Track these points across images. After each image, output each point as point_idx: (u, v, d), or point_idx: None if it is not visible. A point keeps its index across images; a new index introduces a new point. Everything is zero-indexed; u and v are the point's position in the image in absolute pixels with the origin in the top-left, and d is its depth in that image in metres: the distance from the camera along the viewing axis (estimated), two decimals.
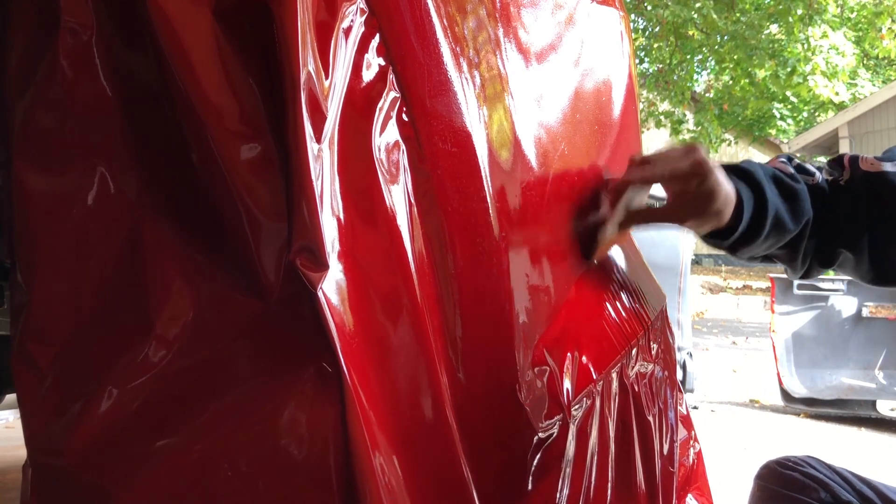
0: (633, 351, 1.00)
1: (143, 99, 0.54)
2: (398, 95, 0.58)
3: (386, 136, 0.57)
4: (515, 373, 0.67)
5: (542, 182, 0.79)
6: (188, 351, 0.52)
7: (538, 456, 0.68)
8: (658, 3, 11.44)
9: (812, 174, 0.94)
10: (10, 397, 2.14)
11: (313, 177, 0.50)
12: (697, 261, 13.83)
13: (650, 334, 1.11)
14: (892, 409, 4.20)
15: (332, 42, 0.54)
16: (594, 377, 0.83)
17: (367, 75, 0.57)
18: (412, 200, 0.59)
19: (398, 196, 0.57)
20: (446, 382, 0.59)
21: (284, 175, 0.51)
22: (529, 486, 0.67)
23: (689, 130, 13.56)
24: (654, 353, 1.11)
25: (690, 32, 11.89)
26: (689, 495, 1.32)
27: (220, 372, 0.52)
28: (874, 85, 12.59)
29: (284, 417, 0.50)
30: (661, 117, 13.32)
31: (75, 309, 0.54)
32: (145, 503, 0.50)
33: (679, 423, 1.23)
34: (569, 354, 0.79)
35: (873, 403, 4.07)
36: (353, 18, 0.56)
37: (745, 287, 10.96)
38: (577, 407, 0.76)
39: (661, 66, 13.02)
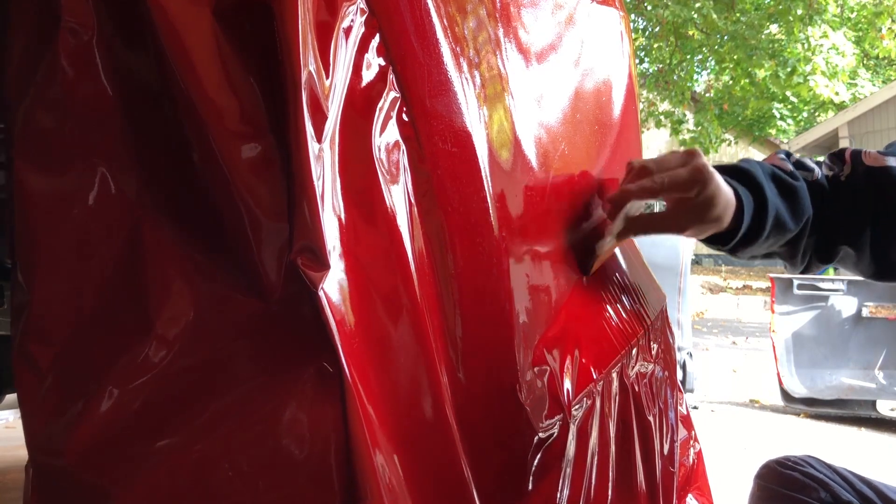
0: (634, 351, 1.00)
1: (143, 99, 0.54)
2: (398, 95, 0.58)
3: (386, 136, 0.57)
4: (515, 373, 0.67)
5: (543, 182, 0.79)
6: (188, 351, 0.52)
7: (538, 456, 0.68)
8: (658, 3, 11.44)
9: (811, 170, 0.93)
10: (11, 397, 2.14)
11: (314, 177, 0.50)
12: (697, 261, 13.83)
13: (650, 334, 1.11)
14: (892, 409, 4.20)
15: (333, 42, 0.54)
16: (594, 377, 0.83)
17: (368, 75, 0.57)
18: (412, 200, 0.59)
19: (398, 196, 0.57)
20: (446, 382, 0.59)
21: (285, 175, 0.51)
22: (530, 486, 0.67)
23: (689, 130, 13.56)
24: (654, 353, 1.12)
25: (690, 32, 11.89)
26: (690, 495, 1.32)
27: (220, 372, 0.52)
28: (874, 85, 12.59)
29: (285, 417, 0.50)
30: (661, 117, 13.33)
31: (75, 309, 0.54)
32: (145, 503, 0.50)
33: (679, 423, 1.23)
34: (569, 354, 0.79)
35: (873, 403, 4.07)
36: (354, 18, 0.56)
37: (745, 287, 10.96)
38: (577, 407, 0.76)
39: (661, 66, 13.03)
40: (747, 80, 12.64)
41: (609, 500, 0.82)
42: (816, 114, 14.35)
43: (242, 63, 0.52)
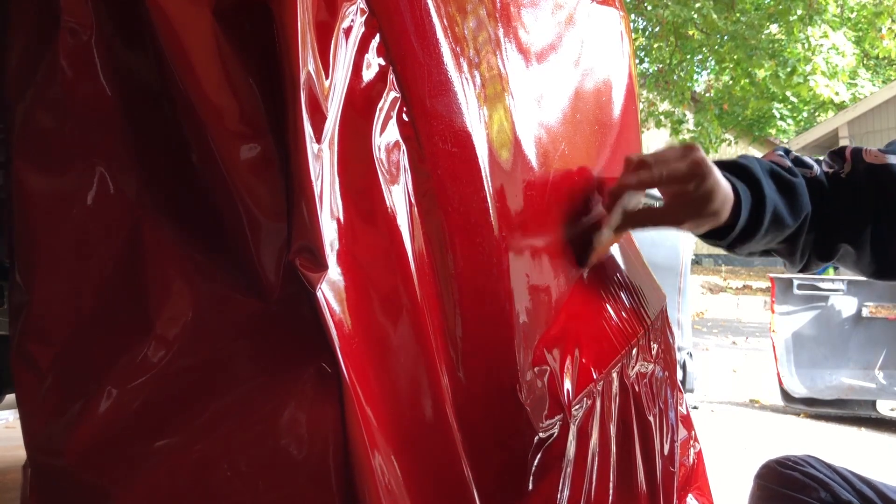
0: (634, 351, 0.99)
1: (143, 99, 0.54)
2: (398, 95, 0.58)
3: (386, 136, 0.57)
4: (516, 373, 0.67)
5: (543, 182, 0.79)
6: (188, 351, 0.52)
7: (538, 456, 0.68)
8: (658, 3, 11.44)
9: (810, 167, 0.93)
10: (10, 397, 2.14)
11: (313, 177, 0.50)
12: (697, 261, 13.83)
13: (650, 334, 1.11)
14: (892, 409, 4.20)
15: (333, 42, 0.54)
16: (594, 377, 0.83)
17: (367, 75, 0.57)
18: (412, 200, 0.59)
19: (398, 196, 0.57)
20: (446, 382, 0.59)
21: (284, 175, 0.51)
22: (530, 486, 0.67)
23: (689, 130, 13.55)
24: (654, 353, 1.11)
25: (690, 32, 11.89)
26: (690, 495, 1.32)
27: (220, 372, 0.52)
28: (874, 85, 12.59)
29: (284, 417, 0.50)
30: (661, 117, 13.32)
31: (75, 309, 0.54)
32: (145, 503, 0.50)
33: (679, 423, 1.23)
34: (569, 354, 0.79)
35: (873, 403, 4.07)
36: (354, 18, 0.56)
37: (745, 287, 10.96)
38: (577, 407, 0.76)
39: (661, 66, 13.02)
40: (747, 80, 12.63)
41: (609, 500, 0.82)
42: (816, 114, 14.35)
43: (242, 63, 0.52)
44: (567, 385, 0.75)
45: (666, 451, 1.06)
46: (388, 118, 0.58)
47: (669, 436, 1.10)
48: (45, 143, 0.54)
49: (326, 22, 0.53)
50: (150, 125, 0.54)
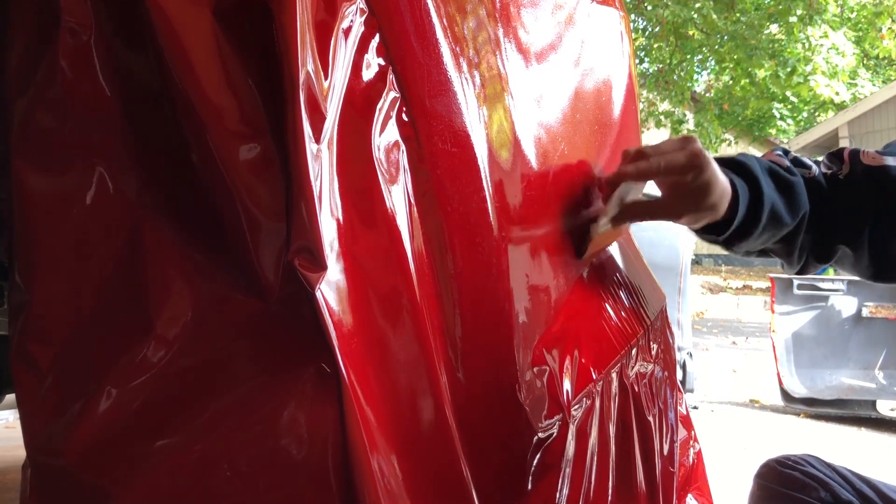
0: (633, 351, 1.00)
1: (143, 99, 0.54)
2: (398, 95, 0.58)
3: (386, 136, 0.57)
4: (515, 373, 0.67)
5: (542, 182, 0.79)
6: (188, 351, 0.52)
7: (538, 456, 0.68)
8: (658, 3, 11.44)
9: (808, 167, 0.93)
10: (10, 397, 2.14)
11: (312, 177, 0.50)
12: (697, 261, 13.83)
13: (650, 334, 1.11)
14: (892, 409, 4.20)
15: (332, 42, 0.54)
16: (594, 377, 0.83)
17: (367, 75, 0.57)
18: (412, 200, 0.59)
19: (398, 196, 0.57)
20: (446, 382, 0.59)
21: (284, 175, 0.51)
22: (529, 486, 0.67)
23: (689, 130, 13.55)
24: (654, 353, 1.12)
25: (690, 32, 11.89)
26: (689, 495, 1.32)
27: (219, 372, 0.52)
28: (874, 85, 12.59)
29: (284, 417, 0.50)
30: (661, 117, 13.32)
31: (75, 309, 0.54)
32: (145, 503, 0.50)
33: (679, 423, 1.23)
34: (568, 354, 0.79)
35: (873, 403, 4.07)
36: (353, 18, 0.56)
37: (745, 287, 10.96)
38: (576, 407, 0.76)
39: (661, 66, 13.02)
40: (747, 80, 12.63)
41: (609, 501, 0.82)
42: (816, 114, 14.35)
43: (242, 63, 0.52)
44: (566, 385, 0.75)
45: (665, 451, 1.06)
46: (387, 118, 0.58)
47: (669, 436, 1.10)
48: (45, 143, 0.54)
49: (326, 22, 0.53)
50: (149, 125, 0.54)
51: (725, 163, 0.88)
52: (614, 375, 0.91)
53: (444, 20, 0.63)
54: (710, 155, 0.84)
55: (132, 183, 0.54)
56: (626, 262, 1.14)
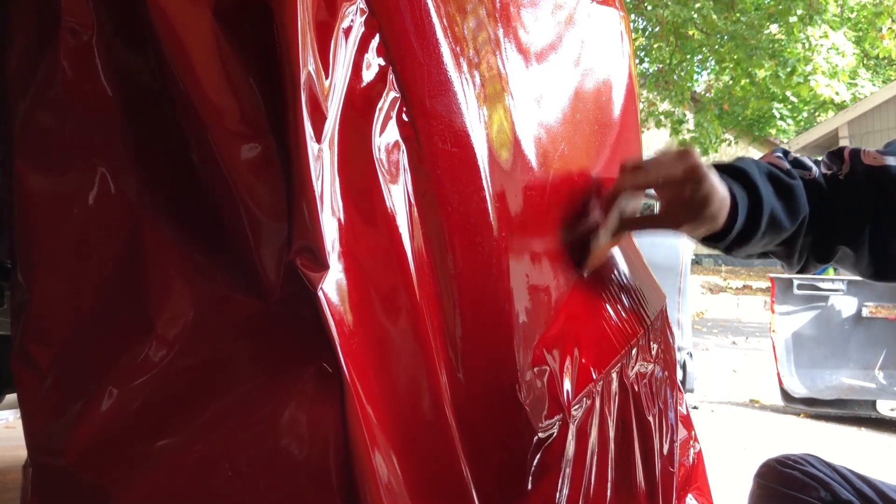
0: (633, 351, 1.00)
1: (143, 99, 0.54)
2: (398, 95, 0.58)
3: (386, 136, 0.57)
4: (515, 373, 0.67)
5: (542, 182, 0.79)
6: (188, 351, 0.52)
7: (538, 456, 0.68)
8: (658, 3, 11.44)
9: (808, 168, 0.92)
10: (11, 397, 2.14)
11: (313, 177, 0.50)
12: (697, 261, 13.83)
13: (650, 334, 1.11)
14: (892, 409, 4.20)
15: (332, 42, 0.54)
16: (594, 377, 0.83)
17: (367, 75, 0.57)
18: (412, 200, 0.59)
19: (398, 196, 0.57)
20: (446, 382, 0.59)
21: (285, 175, 0.51)
22: (529, 486, 0.67)
23: (689, 130, 13.55)
24: (654, 353, 1.12)
25: (690, 32, 11.89)
26: (689, 495, 1.32)
27: (220, 372, 0.52)
28: (874, 85, 12.59)
29: (284, 417, 0.50)
30: (661, 117, 13.32)
31: (75, 309, 0.54)
32: (145, 503, 0.50)
33: (679, 423, 1.23)
34: (568, 354, 0.79)
35: (873, 403, 4.07)
36: (353, 18, 0.56)
37: (745, 287, 10.96)
38: (576, 407, 0.76)
39: (661, 66, 13.02)
40: (747, 80, 12.64)
41: (608, 500, 0.82)
42: (816, 114, 14.35)
43: (242, 63, 0.52)
44: (566, 385, 0.75)
45: (665, 451, 1.06)
46: (387, 118, 0.58)
47: (669, 436, 1.10)
48: (46, 143, 0.54)
49: (326, 22, 0.53)
50: (150, 125, 0.54)
51: (724, 169, 0.88)
52: (614, 375, 0.91)
53: (444, 20, 0.63)
54: (708, 163, 0.84)
55: (133, 183, 0.54)
56: (627, 261, 1.14)
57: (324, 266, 0.50)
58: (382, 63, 0.58)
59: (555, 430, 0.71)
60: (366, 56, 0.57)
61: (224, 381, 0.52)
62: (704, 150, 12.85)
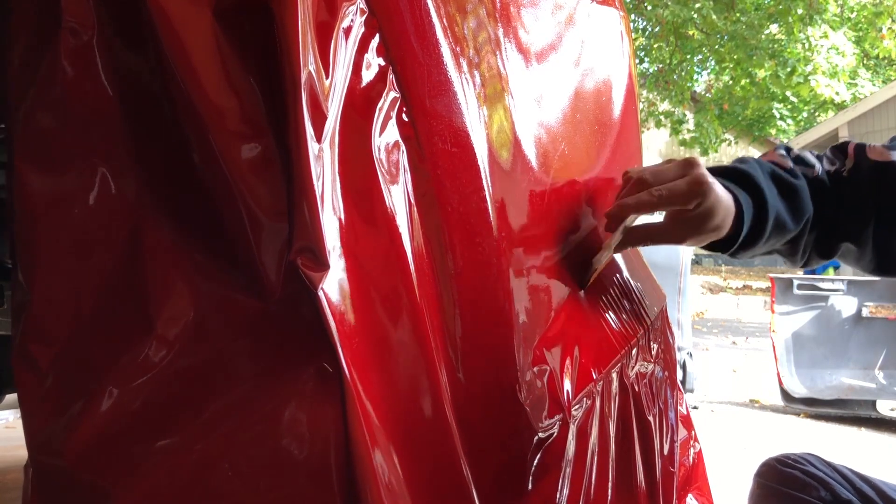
0: (633, 351, 1.00)
1: (143, 99, 0.54)
2: (398, 95, 0.58)
3: (386, 136, 0.57)
4: (515, 372, 0.67)
5: (542, 182, 0.79)
6: (189, 351, 0.52)
7: (538, 456, 0.68)
8: (658, 3, 11.44)
9: (812, 166, 0.92)
10: (11, 397, 2.14)
11: (314, 177, 0.50)
12: (697, 261, 13.84)
13: (650, 334, 1.11)
14: (892, 409, 4.20)
15: (333, 42, 0.54)
16: (594, 377, 0.83)
17: (367, 75, 0.57)
18: (412, 200, 0.59)
19: (398, 196, 0.57)
20: (446, 382, 0.59)
21: (285, 175, 0.51)
22: (529, 486, 0.67)
23: (689, 130, 13.56)
24: (654, 352, 1.12)
25: (690, 32, 11.90)
26: (690, 495, 1.32)
27: (220, 372, 0.52)
28: (874, 85, 12.59)
29: (285, 417, 0.50)
30: (661, 117, 13.33)
31: (76, 309, 0.54)
32: (145, 503, 0.50)
33: (679, 423, 1.23)
34: (568, 354, 0.79)
35: (873, 403, 4.07)
36: (353, 18, 0.56)
37: (745, 287, 10.96)
38: (577, 407, 0.76)
39: (661, 66, 13.03)
40: (747, 80, 12.65)
41: (609, 500, 0.82)
42: (816, 114, 14.36)
43: (242, 63, 0.52)
44: (566, 385, 0.75)
45: (666, 451, 1.06)
46: (387, 118, 0.58)
47: (669, 436, 1.10)
48: (46, 144, 0.54)
49: (326, 22, 0.53)
50: (150, 125, 0.54)
51: (727, 173, 0.87)
52: (614, 375, 0.91)
53: (445, 20, 0.63)
54: (711, 165, 0.83)
55: (133, 183, 0.54)
56: (627, 262, 1.14)
57: (324, 266, 0.50)
58: (382, 63, 0.58)
59: (555, 430, 0.71)
60: (366, 56, 0.57)
61: (224, 380, 0.52)
62: (704, 150, 12.86)
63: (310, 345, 0.50)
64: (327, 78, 0.53)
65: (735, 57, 12.05)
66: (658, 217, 0.88)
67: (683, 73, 12.86)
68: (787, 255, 0.95)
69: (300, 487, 0.49)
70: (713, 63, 13.35)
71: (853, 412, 4.05)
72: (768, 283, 5.41)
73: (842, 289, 4.08)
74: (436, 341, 0.59)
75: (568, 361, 0.78)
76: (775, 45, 11.57)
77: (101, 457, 0.51)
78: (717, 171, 0.86)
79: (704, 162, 0.86)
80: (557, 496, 0.70)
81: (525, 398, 0.67)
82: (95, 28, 0.53)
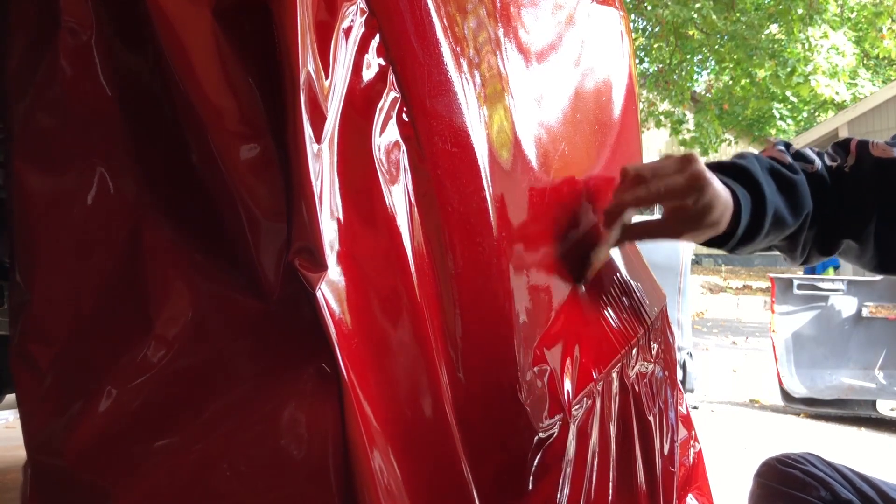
0: (634, 351, 1.00)
1: (143, 99, 0.54)
2: (398, 95, 0.58)
3: (386, 136, 0.57)
4: (515, 372, 0.67)
5: (542, 182, 0.79)
6: (188, 351, 0.52)
7: (538, 456, 0.68)
8: (658, 3, 11.44)
9: (811, 161, 0.91)
10: (10, 397, 2.14)
11: (312, 177, 0.50)
12: (697, 261, 13.84)
13: (650, 334, 1.11)
14: (892, 409, 4.20)
15: (332, 42, 0.54)
16: (594, 377, 0.83)
17: (367, 75, 0.57)
18: (412, 200, 0.59)
19: (398, 196, 0.57)
20: (446, 382, 0.59)
21: (284, 175, 0.51)
22: (530, 486, 0.67)
23: (688, 130, 13.56)
24: (654, 352, 1.12)
25: (690, 32, 11.90)
26: (690, 495, 1.32)
27: (219, 372, 0.52)
28: (874, 85, 12.59)
29: (284, 417, 0.50)
30: (661, 117, 13.33)
31: (75, 309, 0.54)
32: (145, 503, 0.50)
33: (679, 423, 1.23)
34: (569, 354, 0.79)
35: (873, 403, 4.07)
36: (353, 18, 0.56)
37: (745, 287, 10.96)
38: (577, 407, 0.76)
39: (661, 66, 13.03)
40: (747, 80, 12.65)
41: (609, 500, 0.82)
42: (816, 114, 14.36)
43: (242, 63, 0.52)
44: (567, 385, 0.75)
45: (666, 451, 1.06)
46: (387, 118, 0.58)
47: (669, 436, 1.10)
48: (45, 144, 0.54)
49: (326, 22, 0.53)
50: (150, 125, 0.54)
51: (725, 169, 0.87)
52: (615, 375, 0.91)
53: (445, 20, 0.63)
54: (710, 160, 0.83)
55: (132, 183, 0.54)
56: (627, 261, 1.14)
57: (322, 266, 0.50)
58: (382, 63, 0.58)
59: (555, 430, 0.71)
60: (366, 56, 0.57)
61: (223, 381, 0.52)
62: (704, 150, 12.86)
63: (309, 345, 0.50)
64: (327, 78, 0.53)
65: (735, 57, 12.05)
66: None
67: (683, 73, 12.86)
68: (787, 252, 0.94)
69: (299, 488, 0.49)
70: (713, 63, 13.35)
71: (853, 412, 4.05)
72: (768, 283, 5.41)
73: (842, 289, 4.08)
74: (436, 341, 0.59)
75: (568, 361, 0.78)
76: (775, 45, 11.57)
77: (100, 457, 0.51)
78: (715, 167, 0.86)
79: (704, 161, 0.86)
80: (558, 496, 0.70)
81: (525, 398, 0.67)
82: (94, 28, 0.53)
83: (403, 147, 0.59)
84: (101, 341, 0.53)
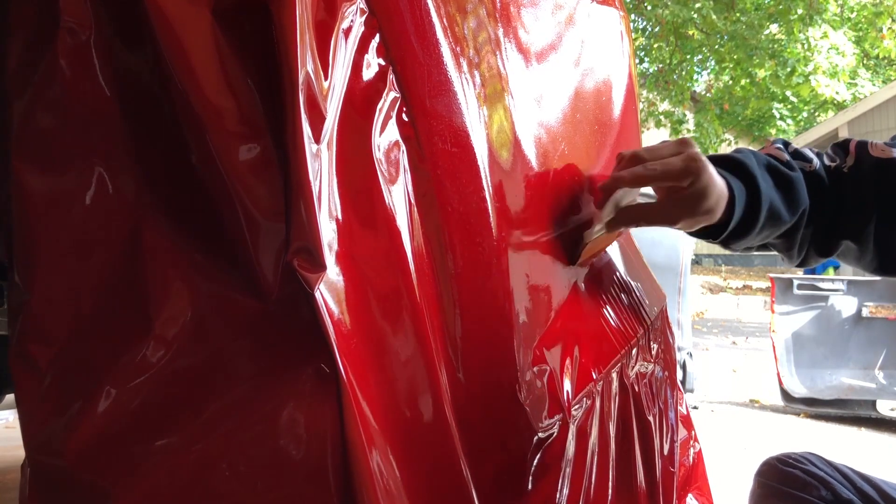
0: (634, 351, 0.99)
1: (142, 99, 0.54)
2: (398, 95, 0.58)
3: (386, 136, 0.57)
4: (515, 372, 0.67)
5: (542, 182, 0.79)
6: (187, 351, 0.52)
7: (538, 456, 0.68)
8: (658, 3, 11.44)
9: (809, 160, 0.91)
10: (10, 397, 2.14)
11: (311, 177, 0.50)
12: (697, 261, 13.83)
13: (650, 334, 1.11)
14: (892, 409, 4.20)
15: (332, 42, 0.54)
16: (594, 377, 0.83)
17: (367, 75, 0.57)
18: (412, 200, 0.59)
19: (398, 196, 0.57)
20: (446, 382, 0.59)
21: (283, 175, 0.51)
22: (529, 486, 0.67)
23: (689, 130, 13.55)
24: (654, 352, 1.12)
25: (690, 32, 11.89)
26: (690, 495, 1.32)
27: (219, 372, 0.52)
28: (874, 85, 12.59)
29: (283, 417, 0.50)
30: (661, 117, 13.32)
31: (74, 309, 0.54)
32: (145, 503, 0.50)
33: (679, 422, 1.23)
34: (569, 354, 0.79)
35: (873, 403, 4.07)
36: (353, 18, 0.56)
37: (745, 287, 10.96)
38: (577, 407, 0.76)
39: (661, 66, 13.02)
40: (747, 80, 12.64)
41: (609, 500, 0.82)
42: (816, 114, 14.36)
43: (241, 64, 0.52)
44: (566, 385, 0.75)
45: (666, 451, 1.06)
46: (387, 118, 0.58)
47: (669, 436, 1.10)
48: (45, 143, 0.54)
49: (326, 22, 0.53)
50: (149, 125, 0.54)
51: (722, 162, 0.87)
52: (614, 375, 0.91)
53: (445, 20, 0.63)
54: (707, 154, 0.83)
55: (132, 183, 0.54)
56: (627, 261, 1.14)
57: (321, 267, 0.50)
58: (382, 63, 0.58)
59: (555, 430, 0.71)
60: (366, 56, 0.57)
61: (223, 381, 0.52)
62: (704, 149, 12.84)
63: (308, 345, 0.50)
64: (326, 78, 0.53)
65: (735, 57, 12.04)
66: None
67: (683, 73, 12.86)
68: (784, 251, 0.94)
69: (298, 488, 0.49)
70: (713, 63, 13.35)
71: (853, 412, 4.05)
72: (768, 283, 5.41)
73: (842, 289, 4.08)
74: (436, 341, 0.59)
75: (568, 361, 0.78)
76: (775, 45, 11.57)
77: (100, 457, 0.51)
78: (712, 160, 0.86)
79: None
80: (557, 496, 0.70)
81: (525, 398, 0.67)
82: (94, 28, 0.53)
83: (403, 147, 0.59)
84: (101, 341, 0.53)
